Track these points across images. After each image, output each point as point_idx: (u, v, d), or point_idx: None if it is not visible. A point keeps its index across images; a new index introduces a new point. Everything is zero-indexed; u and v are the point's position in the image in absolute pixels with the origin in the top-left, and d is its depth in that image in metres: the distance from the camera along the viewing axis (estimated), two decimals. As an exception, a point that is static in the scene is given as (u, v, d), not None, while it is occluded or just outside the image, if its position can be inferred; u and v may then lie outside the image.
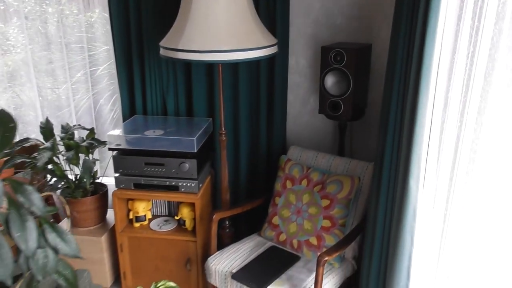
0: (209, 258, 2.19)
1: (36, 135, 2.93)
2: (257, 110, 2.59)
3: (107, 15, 2.63)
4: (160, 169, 2.28)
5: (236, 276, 2.01)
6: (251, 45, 1.98)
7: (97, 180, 2.59)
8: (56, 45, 2.85)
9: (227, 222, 2.52)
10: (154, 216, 2.59)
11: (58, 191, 2.53)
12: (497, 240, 1.50)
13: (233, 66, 2.49)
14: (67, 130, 2.55)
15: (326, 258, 1.84)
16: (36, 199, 1.05)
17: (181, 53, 1.98)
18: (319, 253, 2.05)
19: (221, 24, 1.96)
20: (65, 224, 2.62)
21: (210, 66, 2.51)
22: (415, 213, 1.64)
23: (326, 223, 2.16)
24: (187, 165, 2.25)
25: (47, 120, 2.54)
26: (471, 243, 1.59)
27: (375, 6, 2.36)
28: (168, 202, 2.57)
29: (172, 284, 1.26)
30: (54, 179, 2.52)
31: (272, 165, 2.66)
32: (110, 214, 2.65)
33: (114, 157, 2.31)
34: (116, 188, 2.36)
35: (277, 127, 2.60)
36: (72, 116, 2.99)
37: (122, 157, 2.29)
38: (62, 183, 2.47)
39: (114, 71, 2.70)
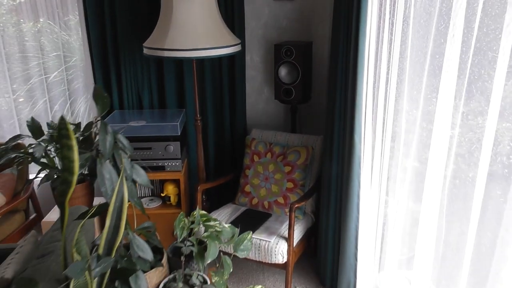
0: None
1: None
2: (221, 100, 3.06)
3: (52, 23, 2.94)
4: (148, 153, 2.67)
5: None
6: (224, 43, 2.46)
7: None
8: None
9: (204, 196, 2.96)
10: (139, 197, 2.95)
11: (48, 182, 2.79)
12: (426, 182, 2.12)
13: (200, 62, 2.95)
14: (52, 126, 2.82)
15: (296, 205, 2.38)
16: (124, 141, 1.47)
17: (167, 52, 2.40)
18: (286, 209, 2.60)
19: (198, 26, 2.43)
20: None
21: (180, 63, 2.95)
22: (360, 162, 2.24)
23: (290, 185, 2.70)
24: (171, 147, 2.67)
25: (33, 119, 2.79)
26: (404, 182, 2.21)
27: (313, 11, 2.96)
28: (152, 182, 2.95)
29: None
30: (46, 171, 2.78)
31: (235, 146, 3.16)
32: (96, 201, 2.96)
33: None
34: (107, 173, 2.70)
35: (239, 114, 3.10)
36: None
37: (113, 145, 2.64)
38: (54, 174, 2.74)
39: (68, 77, 3.03)
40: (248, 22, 3.01)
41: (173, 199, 2.82)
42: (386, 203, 2.32)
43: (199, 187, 2.67)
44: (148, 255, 1.48)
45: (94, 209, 1.42)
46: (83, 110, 3.32)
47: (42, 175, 2.83)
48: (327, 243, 2.55)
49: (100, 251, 1.30)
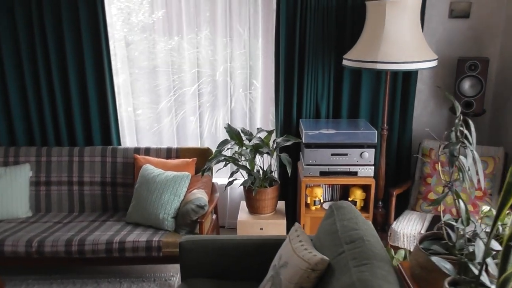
0: (392, 225, 2.75)
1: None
2: (392, 111, 3.20)
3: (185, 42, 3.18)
4: (344, 158, 2.83)
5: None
6: (427, 57, 2.62)
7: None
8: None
9: (380, 203, 3.09)
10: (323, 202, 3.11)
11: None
12: None
13: (384, 74, 3.11)
14: (246, 132, 3.03)
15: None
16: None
17: (380, 64, 2.58)
18: (476, 216, 2.69)
19: (408, 40, 2.59)
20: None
21: (369, 74, 3.11)
22: None
23: (478, 193, 2.80)
24: (367, 153, 2.82)
25: (229, 125, 3.01)
26: None
27: (486, 27, 3.10)
28: (332, 188, 3.10)
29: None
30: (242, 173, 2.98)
31: (403, 154, 3.28)
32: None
33: (306, 150, 2.83)
34: (303, 177, 2.87)
35: (408, 124, 3.23)
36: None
37: (314, 150, 2.82)
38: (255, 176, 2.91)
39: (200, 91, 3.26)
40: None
41: (359, 204, 2.95)
42: None
43: (394, 192, 2.81)
44: None
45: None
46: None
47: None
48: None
49: None
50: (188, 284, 2.12)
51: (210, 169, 3.04)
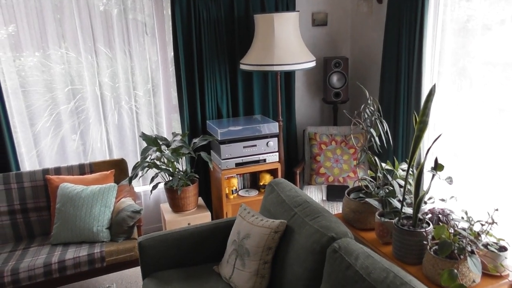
0: (300, 199, 3.31)
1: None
2: (275, 105, 3.79)
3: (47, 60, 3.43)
4: (254, 149, 3.28)
5: (329, 198, 3.22)
6: (309, 59, 3.26)
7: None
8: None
9: (282, 183, 3.64)
10: (238, 190, 3.50)
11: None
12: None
13: (272, 75, 3.66)
14: (161, 138, 3.23)
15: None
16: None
17: (276, 66, 3.10)
18: (355, 180, 3.45)
19: (295, 45, 3.18)
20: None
21: (261, 76, 3.62)
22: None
23: (356, 162, 3.57)
24: (272, 142, 3.32)
25: (143, 133, 3.17)
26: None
27: (339, 32, 3.93)
28: (243, 177, 3.52)
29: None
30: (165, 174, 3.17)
31: (291, 141, 3.91)
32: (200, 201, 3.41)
33: (222, 146, 3.18)
34: (222, 170, 3.23)
35: (292, 115, 3.87)
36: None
37: (228, 145, 3.20)
38: (176, 177, 3.15)
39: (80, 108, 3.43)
40: (297, 43, 3.83)
41: (269, 187, 3.43)
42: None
43: (298, 170, 3.37)
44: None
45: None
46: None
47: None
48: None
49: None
50: (153, 278, 2.29)
51: (131, 177, 3.15)
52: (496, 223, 1.72)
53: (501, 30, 2.48)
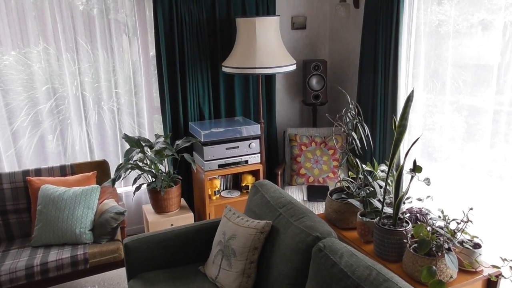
0: (282, 199, 3.38)
1: None
2: (256, 107, 3.86)
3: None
4: (236, 150, 3.33)
5: (310, 199, 3.30)
6: (290, 62, 3.33)
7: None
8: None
9: (264, 184, 3.69)
10: (221, 191, 3.53)
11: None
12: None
13: (253, 78, 3.72)
14: (144, 140, 3.24)
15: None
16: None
17: (259, 69, 3.16)
18: (336, 181, 3.55)
19: (276, 49, 3.25)
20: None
21: (242, 78, 3.66)
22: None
23: (335, 163, 3.67)
24: (254, 144, 3.38)
25: (126, 135, 3.17)
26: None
27: (318, 35, 4.02)
28: (225, 178, 3.56)
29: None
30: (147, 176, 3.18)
31: (272, 143, 3.97)
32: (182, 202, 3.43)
33: (205, 148, 3.21)
34: (205, 171, 3.26)
35: (273, 117, 3.94)
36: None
37: (211, 147, 3.23)
38: (160, 178, 3.16)
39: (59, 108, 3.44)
40: (278, 46, 3.89)
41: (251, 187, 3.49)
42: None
43: (279, 171, 3.44)
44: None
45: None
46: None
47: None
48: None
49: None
50: (139, 279, 2.31)
51: (115, 178, 3.15)
52: (471, 221, 1.83)
53: (470, 34, 2.61)
